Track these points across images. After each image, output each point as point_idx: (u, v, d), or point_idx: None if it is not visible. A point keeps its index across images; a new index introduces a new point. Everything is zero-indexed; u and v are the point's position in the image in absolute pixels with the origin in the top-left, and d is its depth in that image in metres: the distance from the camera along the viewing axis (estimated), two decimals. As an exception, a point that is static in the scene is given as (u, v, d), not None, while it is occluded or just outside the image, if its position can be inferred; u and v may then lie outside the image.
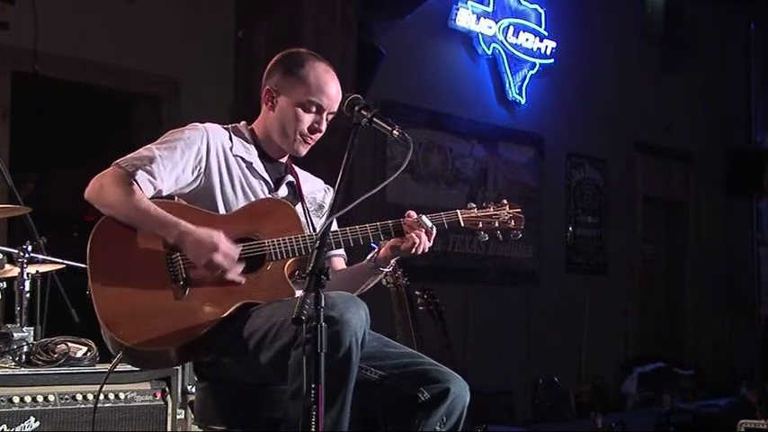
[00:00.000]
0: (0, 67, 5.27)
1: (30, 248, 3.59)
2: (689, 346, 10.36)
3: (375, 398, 2.65)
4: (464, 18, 7.69)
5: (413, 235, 2.67)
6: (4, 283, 3.65)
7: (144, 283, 2.63)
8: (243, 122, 2.93)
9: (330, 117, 2.85)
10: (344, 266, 2.95)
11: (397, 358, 2.67)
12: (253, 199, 2.78)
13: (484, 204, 2.80)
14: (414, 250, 2.69)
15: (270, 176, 2.85)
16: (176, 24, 5.95)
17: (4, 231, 5.09)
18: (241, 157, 2.81)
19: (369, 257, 2.80)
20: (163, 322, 2.60)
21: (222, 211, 2.74)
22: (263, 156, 2.87)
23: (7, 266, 3.63)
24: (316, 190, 2.99)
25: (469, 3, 7.72)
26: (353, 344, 2.36)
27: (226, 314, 2.57)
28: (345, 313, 2.36)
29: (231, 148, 2.80)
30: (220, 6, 6.24)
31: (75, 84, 5.64)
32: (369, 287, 2.88)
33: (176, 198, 2.80)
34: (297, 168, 2.99)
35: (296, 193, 2.90)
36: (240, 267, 2.61)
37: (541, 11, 8.39)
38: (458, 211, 2.76)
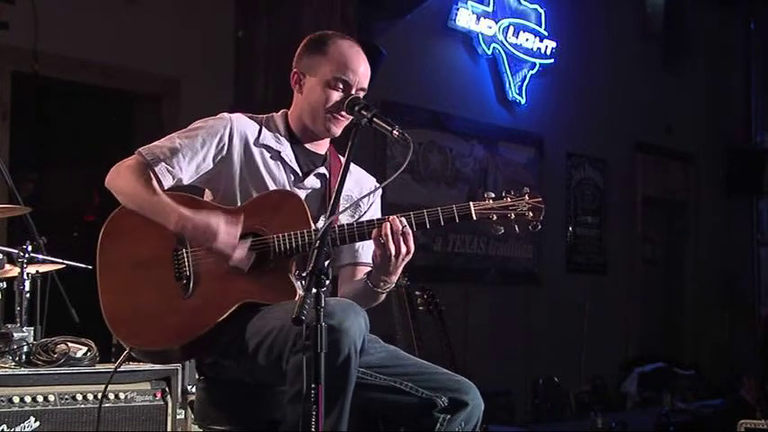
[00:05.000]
0: (0, 67, 5.27)
1: (30, 248, 3.58)
2: (689, 346, 10.35)
3: (387, 402, 2.63)
4: (464, 18, 7.68)
5: (382, 243, 2.51)
6: (4, 283, 3.65)
7: (149, 281, 2.64)
8: (282, 111, 2.84)
9: (362, 94, 2.73)
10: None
11: (410, 367, 2.66)
12: (275, 189, 2.70)
13: (503, 194, 2.60)
14: (393, 259, 2.51)
15: (300, 166, 2.76)
16: (176, 24, 5.94)
17: (4, 231, 5.08)
18: (267, 146, 2.73)
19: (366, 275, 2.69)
20: (164, 321, 2.60)
21: (239, 201, 2.69)
22: (297, 145, 2.78)
23: (7, 266, 3.63)
24: (356, 187, 2.84)
25: (469, 3, 7.71)
26: (352, 352, 2.35)
27: (226, 314, 2.56)
28: (344, 322, 2.34)
29: (258, 138, 2.72)
30: (220, 6, 6.23)
31: (75, 84, 5.63)
32: (382, 297, 2.74)
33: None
34: (343, 160, 2.82)
35: (326, 184, 2.79)
36: (243, 252, 2.55)
37: (541, 11, 8.38)
38: (471, 203, 2.58)
